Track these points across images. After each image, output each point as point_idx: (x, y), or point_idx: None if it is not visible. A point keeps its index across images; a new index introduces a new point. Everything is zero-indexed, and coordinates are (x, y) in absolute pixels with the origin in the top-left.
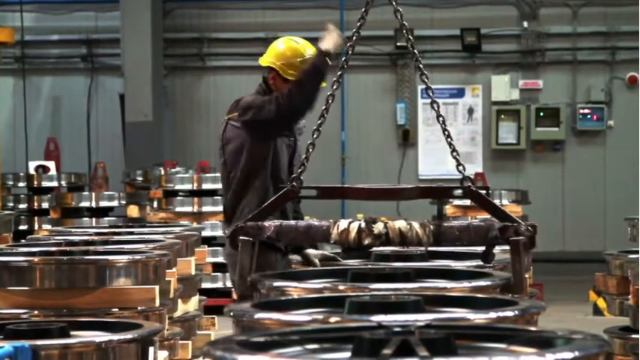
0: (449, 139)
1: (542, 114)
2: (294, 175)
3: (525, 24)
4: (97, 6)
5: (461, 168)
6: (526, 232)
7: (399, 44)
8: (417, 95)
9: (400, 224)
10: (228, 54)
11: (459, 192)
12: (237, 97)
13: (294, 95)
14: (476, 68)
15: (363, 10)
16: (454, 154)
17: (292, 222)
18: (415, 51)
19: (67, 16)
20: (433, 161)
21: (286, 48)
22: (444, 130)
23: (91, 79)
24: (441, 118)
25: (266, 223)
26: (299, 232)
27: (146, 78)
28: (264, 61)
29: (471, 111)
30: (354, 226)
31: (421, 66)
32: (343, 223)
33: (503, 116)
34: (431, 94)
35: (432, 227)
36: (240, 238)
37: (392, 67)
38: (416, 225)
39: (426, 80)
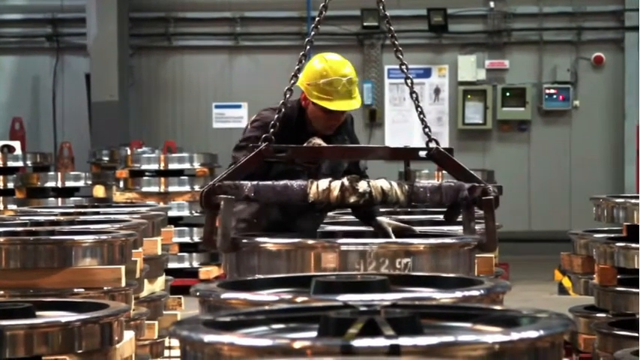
0: (421, 115)
1: (508, 94)
2: (265, 135)
3: (492, 4)
4: None
5: (427, 130)
6: (492, 192)
7: (365, 24)
8: (384, 75)
9: (382, 183)
10: (194, 33)
11: (425, 153)
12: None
13: None
14: (442, 48)
15: None
16: (421, 116)
17: (269, 182)
18: (391, 27)
19: None
20: (400, 141)
21: (313, 67)
22: (417, 106)
23: (57, 59)
24: (414, 95)
25: (243, 182)
26: (276, 191)
27: (112, 57)
28: (299, 80)
29: (437, 91)
30: (336, 185)
31: (396, 42)
32: (323, 182)
33: (469, 96)
34: (405, 70)
35: (406, 187)
36: (221, 196)
37: (358, 47)
38: (395, 184)
39: (400, 57)
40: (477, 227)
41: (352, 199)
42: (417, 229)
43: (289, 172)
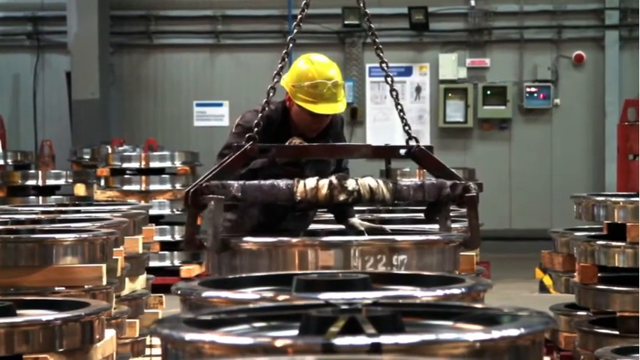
0: (401, 114)
1: (489, 92)
2: (249, 135)
3: (473, 2)
4: None
5: (407, 128)
6: (473, 190)
7: (346, 22)
8: (365, 73)
9: (369, 181)
10: (175, 32)
11: (405, 151)
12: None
13: None
14: (423, 46)
15: None
16: (401, 114)
17: (256, 181)
18: (371, 25)
19: None
20: (381, 139)
21: (298, 69)
22: (397, 104)
23: (37, 57)
24: (394, 92)
25: (230, 182)
26: (263, 190)
27: (93, 55)
28: (284, 80)
29: (418, 89)
30: (324, 183)
31: (376, 40)
32: (311, 181)
33: (450, 94)
34: (385, 68)
35: (391, 185)
36: (211, 196)
37: (340, 45)
38: (381, 182)
39: (380, 54)
40: (459, 225)
41: (341, 198)
42: (389, 228)
43: (273, 177)
